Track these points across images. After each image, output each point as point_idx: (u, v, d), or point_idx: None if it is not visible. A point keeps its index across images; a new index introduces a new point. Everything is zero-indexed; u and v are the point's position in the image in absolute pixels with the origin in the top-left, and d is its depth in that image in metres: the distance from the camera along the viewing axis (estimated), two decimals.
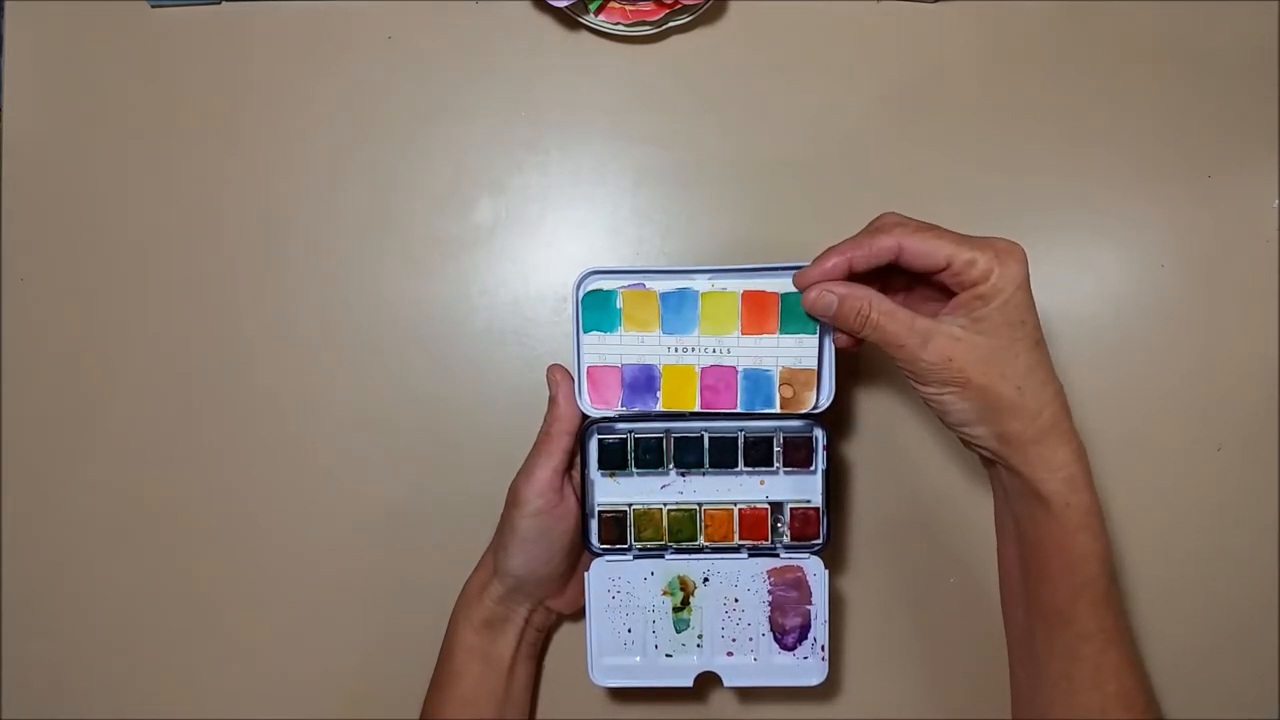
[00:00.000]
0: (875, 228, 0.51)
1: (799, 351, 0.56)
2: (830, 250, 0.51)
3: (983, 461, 0.55)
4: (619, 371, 0.57)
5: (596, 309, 0.56)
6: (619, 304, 0.56)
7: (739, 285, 0.56)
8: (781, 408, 0.56)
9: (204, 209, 0.66)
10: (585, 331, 0.56)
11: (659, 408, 0.57)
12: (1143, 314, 0.66)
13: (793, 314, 0.55)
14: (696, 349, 0.56)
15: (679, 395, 0.57)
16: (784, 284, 0.55)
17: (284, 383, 0.66)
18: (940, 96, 0.66)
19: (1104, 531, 0.52)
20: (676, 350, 0.56)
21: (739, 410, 0.56)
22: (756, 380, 0.56)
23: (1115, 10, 0.66)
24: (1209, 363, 0.65)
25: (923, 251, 0.49)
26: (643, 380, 0.57)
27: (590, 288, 0.56)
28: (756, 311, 0.56)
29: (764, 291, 0.56)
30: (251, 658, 0.66)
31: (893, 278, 0.54)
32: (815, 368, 0.56)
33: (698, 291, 0.56)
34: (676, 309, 0.56)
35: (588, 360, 0.57)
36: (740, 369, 0.56)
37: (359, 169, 0.66)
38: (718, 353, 0.56)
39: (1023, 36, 0.66)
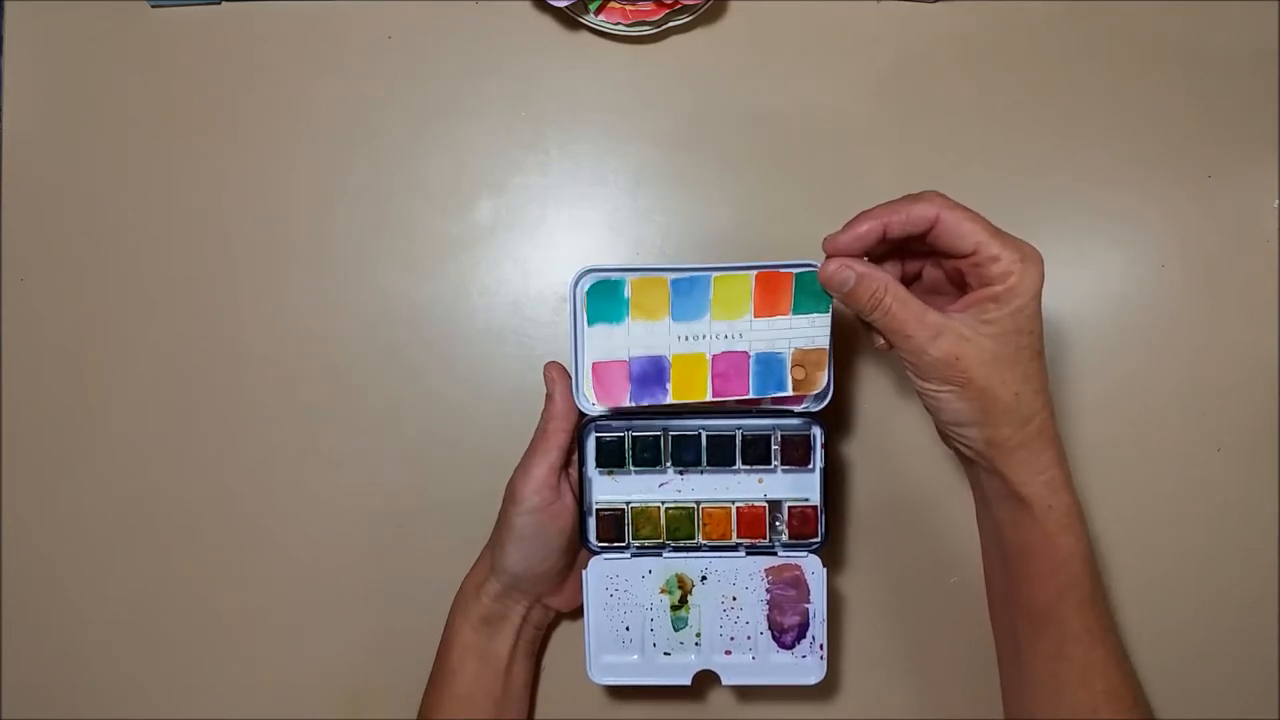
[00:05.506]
0: (915, 196, 0.50)
1: (811, 331, 0.55)
2: (864, 214, 0.51)
3: (962, 461, 0.55)
4: (626, 366, 0.56)
5: (603, 299, 0.55)
6: (627, 293, 0.55)
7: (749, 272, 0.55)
8: (794, 390, 0.55)
9: (204, 209, 0.66)
10: (591, 324, 0.55)
11: (669, 400, 0.56)
12: (1143, 314, 0.66)
13: (807, 292, 0.54)
14: (708, 335, 0.55)
15: (689, 385, 0.55)
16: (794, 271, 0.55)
17: (283, 382, 0.66)
18: (940, 97, 0.66)
19: (1085, 532, 0.52)
20: (687, 338, 0.55)
21: (751, 395, 0.55)
22: (769, 364, 0.55)
23: (1115, 10, 0.66)
24: (1209, 363, 0.65)
25: (957, 231, 0.49)
26: (652, 373, 0.56)
27: (596, 279, 0.55)
28: (770, 292, 0.54)
29: (778, 272, 0.54)
30: (250, 656, 0.66)
31: (910, 260, 0.54)
32: (827, 347, 0.55)
33: (710, 275, 0.55)
34: (688, 293, 0.55)
35: (593, 356, 0.55)
36: (753, 353, 0.55)
37: (359, 168, 0.66)
38: (730, 338, 0.55)
39: (1023, 36, 0.66)
